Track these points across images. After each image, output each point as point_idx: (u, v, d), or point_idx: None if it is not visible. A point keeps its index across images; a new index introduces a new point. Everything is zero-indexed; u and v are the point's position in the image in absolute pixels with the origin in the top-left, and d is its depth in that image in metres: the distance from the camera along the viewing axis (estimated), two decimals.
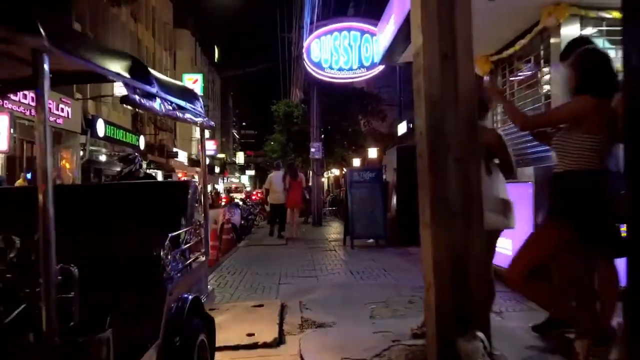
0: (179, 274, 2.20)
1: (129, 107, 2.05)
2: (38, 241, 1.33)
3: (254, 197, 25.11)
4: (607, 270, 2.61)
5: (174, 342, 1.94)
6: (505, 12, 4.39)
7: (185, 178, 35.70)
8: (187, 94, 2.82)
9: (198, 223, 2.72)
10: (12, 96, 14.39)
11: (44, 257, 1.33)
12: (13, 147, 15.53)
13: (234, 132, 65.38)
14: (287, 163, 14.04)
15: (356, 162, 18.21)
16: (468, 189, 2.60)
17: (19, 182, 15.34)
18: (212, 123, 3.13)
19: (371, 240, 8.65)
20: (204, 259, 2.71)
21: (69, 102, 18.54)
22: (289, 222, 9.97)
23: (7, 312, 1.47)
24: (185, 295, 2.16)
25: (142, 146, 26.27)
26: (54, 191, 1.40)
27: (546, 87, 4.76)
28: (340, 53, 8.90)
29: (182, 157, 34.97)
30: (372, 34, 7.92)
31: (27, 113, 15.81)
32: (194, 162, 37.70)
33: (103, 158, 23.22)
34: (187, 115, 2.66)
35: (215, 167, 44.56)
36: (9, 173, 16.08)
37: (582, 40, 2.91)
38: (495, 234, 2.77)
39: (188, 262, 2.42)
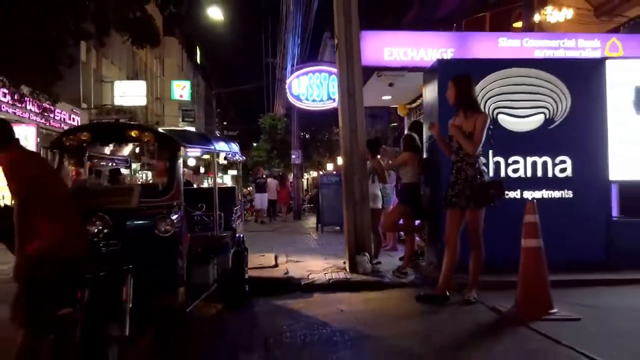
0: (237, 225, 5.42)
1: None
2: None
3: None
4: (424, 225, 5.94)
5: (238, 250, 5.15)
6: (404, 87, 7.69)
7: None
8: (229, 143, 5.99)
9: (239, 205, 5.93)
10: (34, 109, 17.36)
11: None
12: None
13: (217, 132, 67.92)
14: (278, 174, 17.46)
15: (330, 166, 21.56)
16: (361, 191, 5.93)
17: None
18: (243, 157, 6.33)
19: (337, 228, 11.92)
20: (241, 221, 5.94)
21: (78, 112, 21.37)
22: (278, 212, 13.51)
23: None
24: (239, 234, 5.39)
25: (137, 149, 29.08)
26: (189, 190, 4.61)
27: None
28: (313, 88, 12.17)
29: None
30: (336, 74, 11.20)
31: (47, 124, 18.71)
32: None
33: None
34: (229, 155, 5.82)
35: (200, 167, 47.38)
36: None
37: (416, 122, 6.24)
38: (375, 210, 6.10)
39: (238, 221, 5.65)
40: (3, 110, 16.28)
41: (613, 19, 13.41)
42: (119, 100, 25.36)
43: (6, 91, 14.85)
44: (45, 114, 16.48)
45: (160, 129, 4.02)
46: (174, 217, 3.43)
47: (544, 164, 5.33)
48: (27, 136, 17.32)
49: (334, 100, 12.00)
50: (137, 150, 7.43)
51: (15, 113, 16.89)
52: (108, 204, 3.33)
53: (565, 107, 5.33)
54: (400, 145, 6.16)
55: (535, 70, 5.34)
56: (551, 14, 16.00)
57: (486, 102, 5.30)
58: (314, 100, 12.20)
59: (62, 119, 19.75)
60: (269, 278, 5.87)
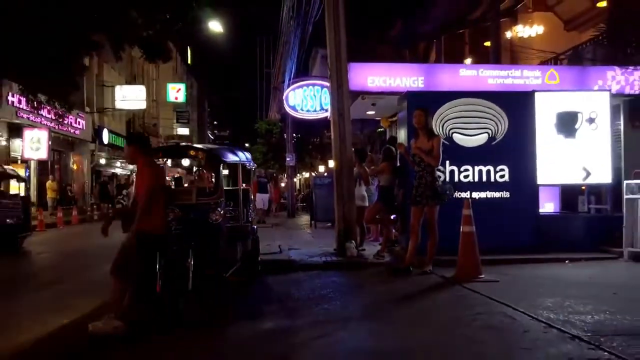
0: (252, 218, 7.05)
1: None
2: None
3: None
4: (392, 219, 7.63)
5: (254, 237, 6.78)
6: (384, 105, 9.34)
7: (169, 178, 39.78)
8: (247, 153, 7.62)
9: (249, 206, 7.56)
10: (46, 114, 18.75)
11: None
12: None
13: (208, 132, 69.23)
14: (271, 174, 19.11)
15: (321, 168, 23.25)
16: (349, 191, 7.61)
17: (49, 182, 19.69)
18: (255, 165, 7.96)
19: (329, 224, 13.57)
20: (254, 215, 7.57)
21: (83, 115, 22.77)
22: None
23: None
24: (254, 226, 7.02)
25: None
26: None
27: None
28: (307, 100, 13.80)
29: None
30: (328, 88, 12.84)
31: (57, 128, 20.13)
32: (175, 163, 41.85)
33: (103, 161, 27.25)
34: (246, 163, 7.46)
35: (194, 167, 48.76)
36: (41, 174, 20.32)
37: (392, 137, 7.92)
38: (360, 208, 7.79)
39: (253, 215, 7.28)
40: (19, 115, 17.71)
41: (582, 33, 15.21)
42: (119, 104, 26.82)
43: (22, 98, 16.32)
44: (60, 119, 17.90)
45: (207, 147, 5.69)
46: (220, 210, 5.07)
47: (488, 171, 7.05)
48: (40, 139, 18.84)
49: (326, 110, 13.61)
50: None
51: (29, 118, 18.32)
52: (177, 200, 4.96)
53: (504, 128, 7.06)
54: (381, 155, 7.87)
55: (481, 100, 7.06)
56: (522, 31, 17.89)
57: (444, 124, 7.01)
58: (308, 111, 13.83)
59: (69, 123, 21.14)
60: (275, 260, 7.52)
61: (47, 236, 13.03)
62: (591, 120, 7.18)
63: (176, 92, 36.72)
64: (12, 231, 9.46)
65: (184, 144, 7.41)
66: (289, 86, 14.12)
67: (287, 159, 18.41)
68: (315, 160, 22.42)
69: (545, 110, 7.17)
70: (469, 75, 8.20)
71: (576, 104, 7.21)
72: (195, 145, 7.01)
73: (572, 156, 7.16)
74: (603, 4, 14.05)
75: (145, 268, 4.35)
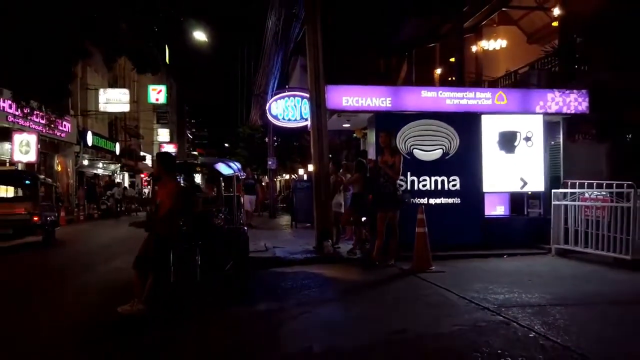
0: (243, 221, 8.32)
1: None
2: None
3: None
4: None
5: (244, 237, 8.05)
6: (358, 120, 10.71)
7: (148, 178, 40.55)
8: (235, 164, 8.90)
9: (240, 211, 8.82)
10: (35, 118, 19.55)
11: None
12: None
13: (188, 132, 69.76)
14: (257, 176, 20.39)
15: (301, 171, 24.58)
16: (325, 195, 8.95)
17: None
18: (244, 174, 9.22)
19: (308, 225, 14.89)
20: (244, 218, 8.84)
21: (68, 118, 23.54)
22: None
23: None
24: (244, 227, 8.29)
25: (117, 152, 31.24)
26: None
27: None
28: (289, 110, 15.10)
29: (148, 160, 39.80)
30: (307, 99, 14.17)
31: (44, 131, 20.91)
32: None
33: (86, 162, 27.98)
34: (238, 174, 8.75)
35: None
36: None
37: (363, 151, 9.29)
38: (337, 213, 9.14)
39: (243, 219, 8.54)
40: (9, 120, 18.49)
41: (543, 46, 16.86)
42: (103, 107, 27.61)
43: (12, 104, 17.14)
44: (52, 125, 18.78)
45: (210, 163, 6.98)
46: (222, 216, 6.33)
47: (442, 181, 8.48)
48: (29, 142, 19.63)
49: (305, 119, 14.95)
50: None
51: (18, 122, 19.10)
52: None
53: (456, 145, 8.49)
54: (354, 167, 9.23)
55: (436, 120, 8.48)
56: (486, 46, 19.57)
57: (406, 141, 8.41)
58: (289, 120, 15.14)
59: (56, 126, 21.92)
60: (262, 257, 8.79)
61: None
62: (527, 139, 8.68)
63: (157, 94, 37.37)
64: (52, 226, 12.80)
65: (192, 161, 8.51)
66: (271, 97, 15.41)
67: (269, 162, 19.69)
68: (295, 163, 23.74)
69: (490, 130, 8.63)
70: (429, 96, 9.58)
71: (515, 124, 8.71)
72: (202, 162, 8.27)
73: (511, 168, 8.66)
74: (556, 23, 15.78)
75: (161, 262, 5.61)
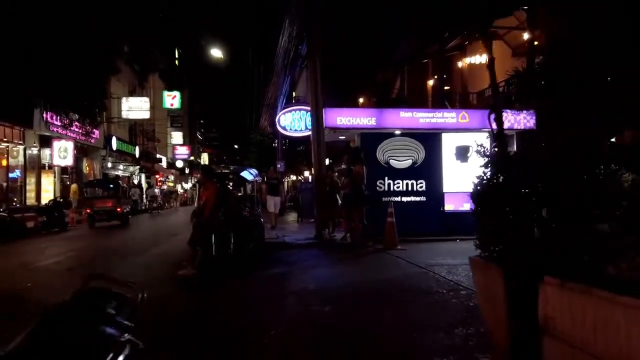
0: (259, 213, 11.18)
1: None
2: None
3: None
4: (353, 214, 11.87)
5: (260, 226, 10.91)
6: (351, 133, 13.54)
7: (162, 179, 43.65)
8: (254, 171, 11.80)
9: (258, 206, 11.69)
10: (73, 128, 22.49)
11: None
12: None
13: (197, 133, 72.89)
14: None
15: (306, 173, 27.46)
16: (323, 197, 11.80)
17: (73, 188, 23.52)
18: (259, 179, 12.08)
19: (312, 220, 17.72)
20: (260, 211, 11.72)
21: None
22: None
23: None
24: (261, 218, 11.16)
25: (137, 154, 34.30)
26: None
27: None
28: (295, 122, 17.95)
29: (163, 162, 42.90)
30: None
31: (78, 138, 23.93)
32: (170, 165, 45.73)
33: (110, 165, 31.03)
34: (257, 178, 11.63)
35: (186, 168, 52.67)
36: (64, 179, 24.14)
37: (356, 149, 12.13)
38: (333, 209, 12.00)
39: (259, 212, 11.41)
40: (52, 129, 21.52)
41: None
42: (126, 114, 30.63)
43: (53, 114, 20.12)
44: (88, 135, 21.77)
45: (238, 171, 9.87)
46: (247, 209, 9.19)
47: (412, 184, 11.30)
48: (67, 148, 22.69)
49: (309, 129, 17.81)
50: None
51: (57, 131, 22.13)
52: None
53: (422, 156, 11.30)
54: (345, 172, 12.08)
55: (408, 137, 11.30)
56: (472, 61, 22.32)
57: (384, 154, 11.23)
58: (296, 130, 17.99)
59: (91, 135, 24.94)
60: (274, 242, 11.66)
61: (81, 231, 17.04)
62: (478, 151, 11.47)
63: (172, 99, 40.45)
64: (127, 215, 20.54)
65: (225, 170, 11.08)
66: (280, 110, 18.29)
67: (278, 165, 22.60)
68: (301, 165, 26.68)
69: (449, 144, 11.44)
70: (406, 116, 12.40)
71: (468, 140, 11.48)
72: (232, 170, 11.16)
73: (465, 174, 11.42)
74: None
75: (207, 241, 8.49)
